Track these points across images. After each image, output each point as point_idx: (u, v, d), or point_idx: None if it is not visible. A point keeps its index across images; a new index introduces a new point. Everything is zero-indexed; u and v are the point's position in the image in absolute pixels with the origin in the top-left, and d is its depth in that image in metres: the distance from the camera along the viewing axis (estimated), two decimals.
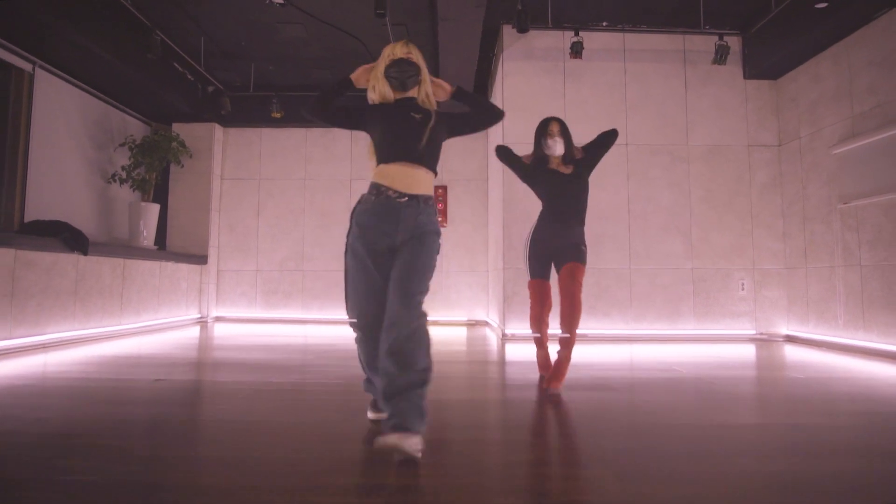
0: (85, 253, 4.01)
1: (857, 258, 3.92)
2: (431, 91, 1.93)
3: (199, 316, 6.05)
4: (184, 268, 5.74)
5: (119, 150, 5.56)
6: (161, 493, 1.30)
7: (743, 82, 4.88)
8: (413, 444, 1.47)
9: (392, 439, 1.46)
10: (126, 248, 4.95)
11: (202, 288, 6.11)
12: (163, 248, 5.98)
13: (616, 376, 2.88)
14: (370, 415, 1.94)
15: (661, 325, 4.64)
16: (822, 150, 4.30)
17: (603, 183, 4.56)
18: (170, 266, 5.46)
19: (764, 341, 4.59)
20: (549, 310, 2.82)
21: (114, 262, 4.53)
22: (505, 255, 4.66)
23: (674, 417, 2.09)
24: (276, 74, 5.94)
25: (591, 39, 4.70)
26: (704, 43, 4.76)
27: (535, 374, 2.88)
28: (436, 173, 1.88)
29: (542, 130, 2.84)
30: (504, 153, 2.90)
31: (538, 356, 2.92)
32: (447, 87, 1.97)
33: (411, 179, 1.79)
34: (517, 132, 4.73)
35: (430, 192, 1.85)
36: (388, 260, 1.76)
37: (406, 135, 1.83)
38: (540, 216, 2.84)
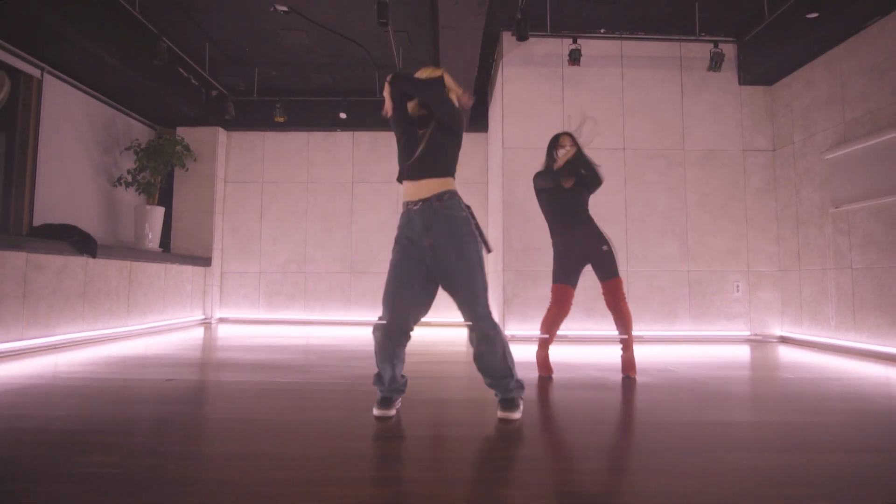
0: (94, 256, 4.10)
1: (848, 261, 4.01)
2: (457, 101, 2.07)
3: (203, 317, 6.13)
4: (188, 270, 5.82)
5: (125, 154, 5.64)
6: (184, 485, 1.38)
7: (738, 88, 4.97)
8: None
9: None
10: (132, 251, 5.03)
11: (206, 290, 6.20)
12: (167, 250, 6.07)
13: (613, 376, 2.97)
14: (376, 412, 2.02)
15: (657, 327, 4.73)
16: (814, 155, 4.39)
17: (601, 187, 4.63)
18: (175, 268, 5.55)
19: (758, 342, 4.68)
20: (565, 315, 2.99)
21: (120, 265, 4.61)
22: (504, 257, 4.75)
23: (668, 415, 2.17)
24: (280, 79, 6.04)
25: (590, 46, 4.79)
26: (700, 50, 4.85)
27: (533, 374, 2.96)
28: (447, 174, 2.02)
29: (554, 143, 3.10)
30: (536, 180, 3.08)
31: (538, 356, 3.02)
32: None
33: (416, 188, 1.99)
34: (517, 136, 4.83)
35: (442, 188, 2.00)
36: (418, 267, 1.98)
37: (409, 153, 2.03)
38: (549, 230, 3.10)
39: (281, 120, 5.97)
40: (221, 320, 6.36)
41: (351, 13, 4.56)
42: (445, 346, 4.33)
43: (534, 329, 3.06)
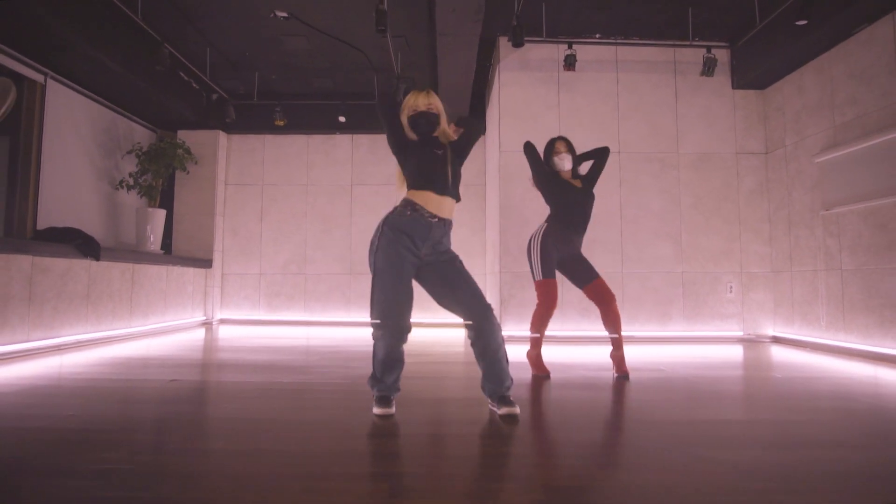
0: (97, 259, 4.17)
1: (838, 263, 4.09)
2: (447, 130, 2.27)
3: (204, 318, 6.20)
4: (189, 272, 5.89)
5: (126, 158, 5.71)
6: (188, 480, 1.45)
7: (731, 92, 5.05)
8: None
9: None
10: (134, 254, 5.10)
11: (207, 291, 6.27)
12: (169, 252, 6.14)
13: (605, 376, 3.04)
14: (377, 410, 2.09)
15: (652, 327, 4.81)
16: (805, 158, 4.47)
17: (596, 189, 4.66)
18: (176, 270, 5.62)
19: (751, 342, 4.76)
20: (554, 309, 3.07)
21: (123, 267, 4.68)
22: (501, 259, 4.82)
23: (658, 413, 2.25)
24: (280, 83, 6.11)
25: (585, 51, 4.87)
26: (694, 55, 4.93)
27: (527, 374, 3.03)
28: (459, 199, 2.20)
29: (550, 149, 3.17)
30: (531, 151, 3.18)
31: (531, 356, 3.08)
32: (453, 130, 2.31)
33: (440, 205, 2.13)
34: (513, 140, 4.90)
35: (452, 213, 2.19)
36: (412, 268, 2.11)
37: (431, 169, 2.14)
38: (551, 222, 3.11)
39: (281, 123, 6.04)
40: (222, 321, 6.44)
41: (350, 19, 4.63)
42: (444, 347, 4.40)
43: (530, 330, 3.12)
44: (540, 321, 3.04)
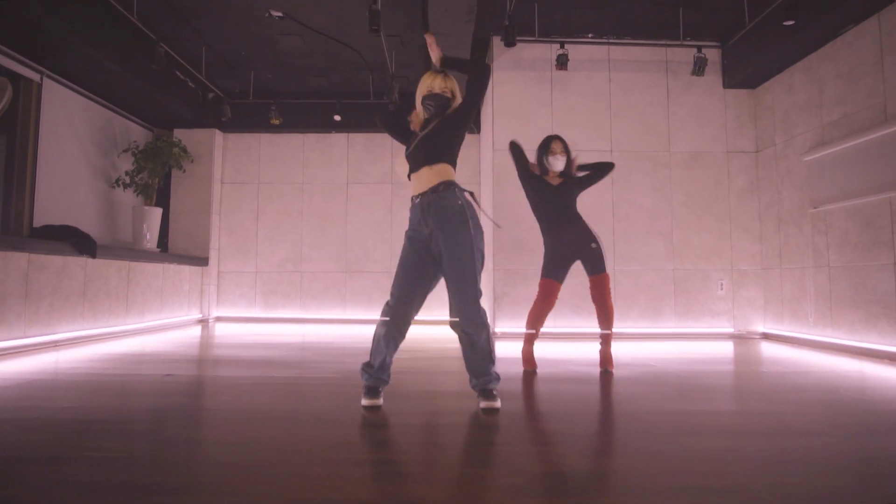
0: (93, 256, 4.20)
1: (825, 260, 4.15)
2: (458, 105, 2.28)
3: (200, 316, 6.24)
4: (186, 269, 5.93)
5: (123, 156, 5.74)
6: (182, 466, 1.50)
7: (722, 91, 5.11)
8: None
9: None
10: (131, 251, 5.13)
11: (203, 289, 6.30)
12: (165, 250, 6.17)
13: (596, 371, 3.08)
14: (364, 402, 2.13)
15: (644, 324, 4.86)
16: (794, 157, 4.53)
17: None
18: (172, 268, 5.65)
19: (741, 338, 4.82)
20: (550, 309, 3.10)
21: (119, 265, 4.71)
22: (494, 256, 4.86)
23: (647, 405, 2.29)
24: (275, 82, 6.15)
25: (578, 50, 4.92)
26: (685, 54, 4.98)
27: (519, 369, 3.08)
28: (440, 160, 2.17)
29: (545, 148, 3.16)
30: (517, 149, 3.21)
31: (524, 351, 3.13)
32: (436, 54, 2.32)
33: (417, 182, 2.19)
34: (507, 138, 4.91)
35: (440, 178, 2.16)
36: (426, 248, 2.15)
37: (413, 152, 2.21)
38: (541, 228, 3.18)
39: (276, 122, 6.08)
40: (218, 319, 6.47)
41: (345, 19, 4.67)
42: (438, 343, 4.44)
43: (523, 326, 3.18)
44: (534, 318, 3.10)
